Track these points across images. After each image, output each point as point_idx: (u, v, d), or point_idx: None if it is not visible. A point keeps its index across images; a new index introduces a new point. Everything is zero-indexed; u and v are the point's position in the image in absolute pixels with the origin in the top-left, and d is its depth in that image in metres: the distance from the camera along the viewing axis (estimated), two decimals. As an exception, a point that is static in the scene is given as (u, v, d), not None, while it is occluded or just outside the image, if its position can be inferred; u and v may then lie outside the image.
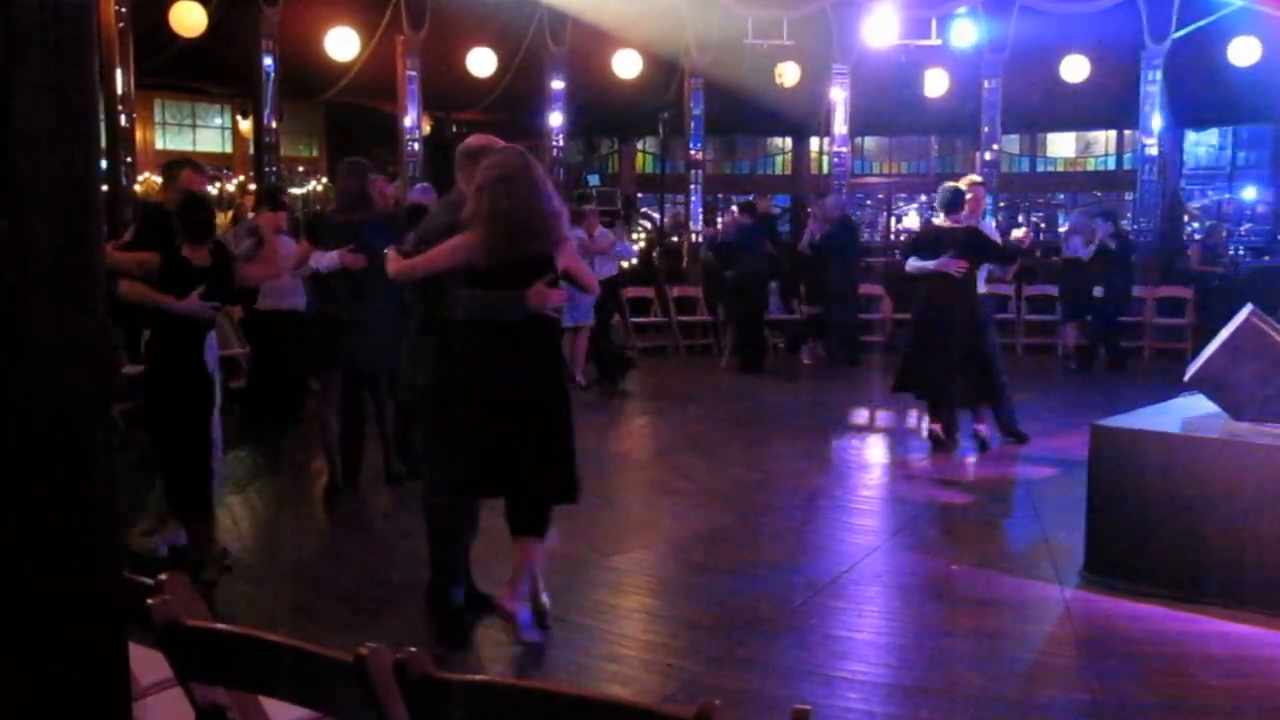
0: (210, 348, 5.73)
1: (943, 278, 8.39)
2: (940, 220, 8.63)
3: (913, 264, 8.65)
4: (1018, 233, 9.20)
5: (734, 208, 15.55)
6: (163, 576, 2.41)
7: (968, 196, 8.60)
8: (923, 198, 23.10)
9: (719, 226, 13.46)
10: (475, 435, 4.62)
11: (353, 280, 7.03)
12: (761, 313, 13.60)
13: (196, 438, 5.47)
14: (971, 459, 8.51)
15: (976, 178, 9.26)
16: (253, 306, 9.38)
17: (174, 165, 6.50)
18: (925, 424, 8.91)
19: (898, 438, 9.63)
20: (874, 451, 9.32)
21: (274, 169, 14.94)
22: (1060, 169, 22.48)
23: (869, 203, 23.31)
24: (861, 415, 11.09)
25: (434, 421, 4.88)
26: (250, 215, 10.38)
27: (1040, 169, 22.14)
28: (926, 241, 8.65)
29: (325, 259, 7.10)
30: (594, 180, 22.52)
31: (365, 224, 7.11)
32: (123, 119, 13.25)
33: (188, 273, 5.47)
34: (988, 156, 17.42)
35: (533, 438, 4.61)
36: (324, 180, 19.41)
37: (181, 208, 5.64)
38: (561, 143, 17.86)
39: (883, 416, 10.74)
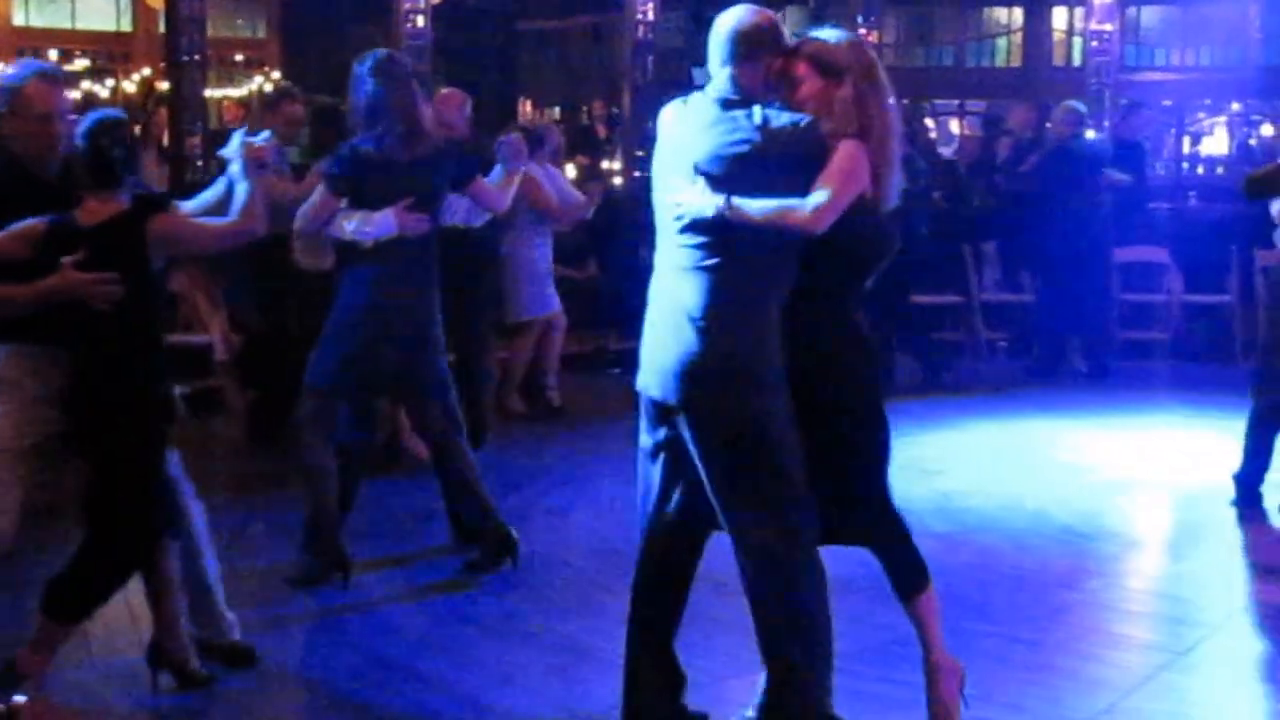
0: None
1: None
2: None
3: None
4: None
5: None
6: (20, 699, 2.48)
7: None
8: (1235, 106, 22.76)
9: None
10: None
11: (404, 255, 6.89)
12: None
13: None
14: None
15: None
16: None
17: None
18: None
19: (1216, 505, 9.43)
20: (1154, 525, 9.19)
21: (197, 56, 14.83)
22: None
23: (1149, 113, 23.06)
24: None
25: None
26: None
27: None
28: None
29: (379, 222, 6.82)
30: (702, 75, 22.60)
31: (430, 164, 7.03)
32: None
33: (65, 240, 5.54)
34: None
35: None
36: (275, 76, 19.66)
37: (88, 134, 5.69)
38: (651, 17, 17.90)
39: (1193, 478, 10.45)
